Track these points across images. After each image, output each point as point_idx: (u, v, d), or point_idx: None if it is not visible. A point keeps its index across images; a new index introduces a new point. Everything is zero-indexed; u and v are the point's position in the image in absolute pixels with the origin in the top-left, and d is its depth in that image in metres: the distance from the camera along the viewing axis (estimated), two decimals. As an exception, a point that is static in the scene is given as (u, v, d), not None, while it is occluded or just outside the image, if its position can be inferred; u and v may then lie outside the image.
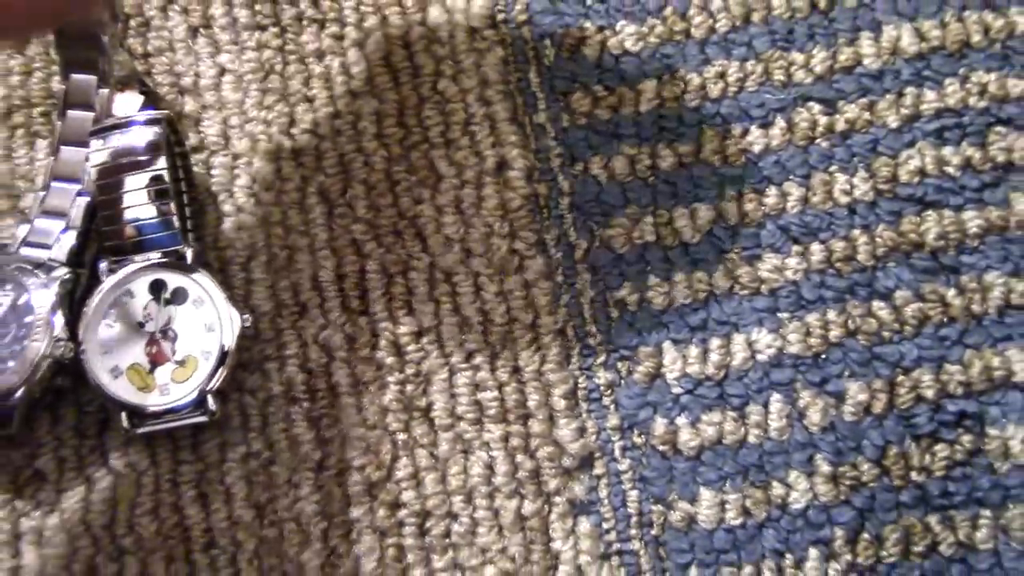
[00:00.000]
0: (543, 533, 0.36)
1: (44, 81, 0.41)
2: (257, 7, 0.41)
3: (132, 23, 0.41)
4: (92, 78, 0.39)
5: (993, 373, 0.36)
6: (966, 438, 0.36)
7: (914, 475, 0.36)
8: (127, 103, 0.39)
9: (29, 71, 0.41)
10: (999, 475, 0.36)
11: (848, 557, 0.35)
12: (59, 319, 0.36)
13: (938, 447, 0.36)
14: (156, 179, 0.36)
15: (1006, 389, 0.36)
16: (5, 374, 0.35)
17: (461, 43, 0.40)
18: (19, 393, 0.35)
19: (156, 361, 0.36)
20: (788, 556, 0.35)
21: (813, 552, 0.35)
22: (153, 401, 0.36)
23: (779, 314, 0.37)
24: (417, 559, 0.36)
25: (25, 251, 0.37)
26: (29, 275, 0.36)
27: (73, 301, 0.37)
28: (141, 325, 0.36)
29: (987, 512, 0.35)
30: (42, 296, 0.36)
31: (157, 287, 0.36)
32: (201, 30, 0.41)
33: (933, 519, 0.35)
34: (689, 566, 0.35)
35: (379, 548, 0.35)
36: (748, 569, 0.35)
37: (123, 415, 0.36)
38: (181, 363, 0.36)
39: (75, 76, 0.39)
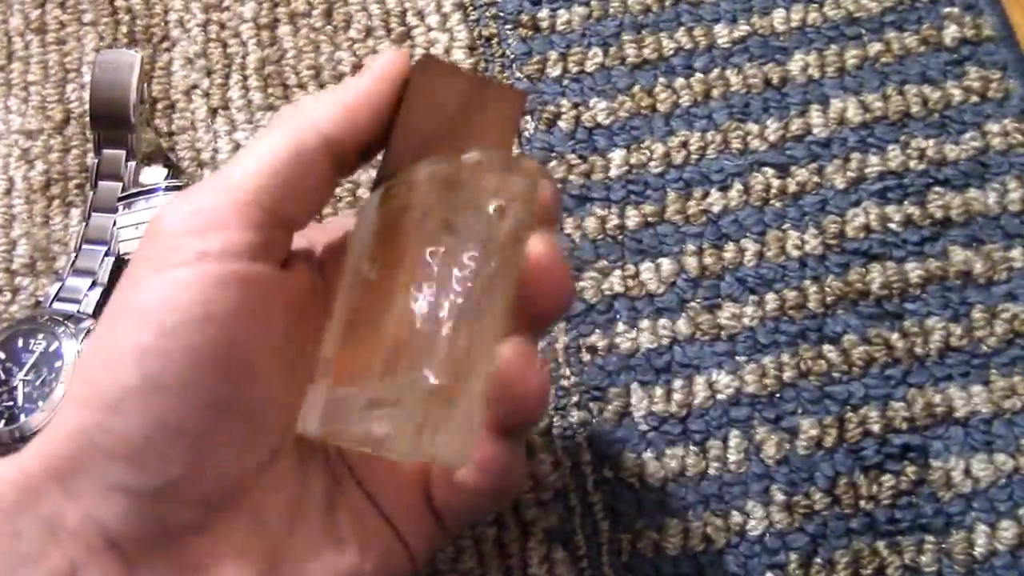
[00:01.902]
0: (521, 559, 0.39)
1: (79, 157, 0.46)
2: (270, 90, 0.46)
3: (159, 105, 0.46)
4: (121, 153, 0.43)
5: (935, 409, 0.39)
6: (911, 469, 0.39)
7: (863, 504, 0.38)
8: (153, 175, 0.44)
9: (67, 149, 0.46)
10: (942, 503, 0.38)
11: (802, 580, 0.38)
12: (85, 364, 0.40)
13: (885, 478, 0.38)
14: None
15: (947, 424, 0.39)
16: (35, 413, 0.39)
17: (450, 119, 0.45)
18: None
19: (170, 401, 0.40)
20: (747, 580, 0.38)
21: (770, 575, 0.38)
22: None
23: (737, 357, 0.40)
24: (404, 584, 0.38)
25: (57, 305, 0.42)
26: (59, 326, 0.40)
27: (98, 349, 0.41)
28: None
29: (931, 538, 0.38)
30: (70, 345, 0.40)
31: (173, 335, 0.40)
32: (220, 111, 0.46)
33: (881, 544, 0.38)
34: (655, 590, 0.38)
35: (369, 573, 0.38)
36: (710, 592, 0.38)
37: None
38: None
39: (106, 151, 0.44)
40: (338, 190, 0.44)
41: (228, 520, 0.29)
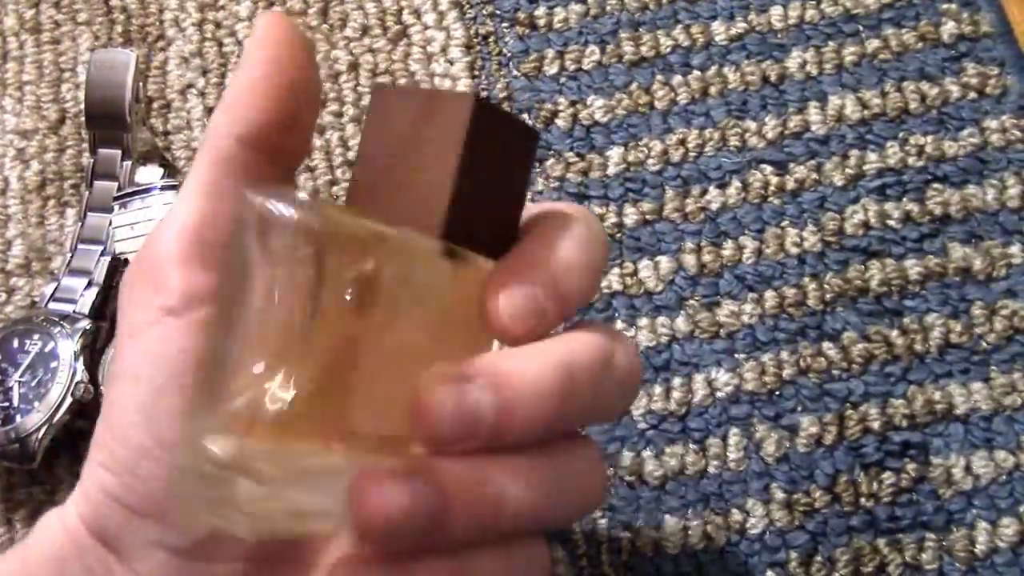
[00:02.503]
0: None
1: (75, 157, 0.45)
2: (265, 89, 0.46)
3: (154, 105, 0.46)
4: (117, 152, 0.43)
5: (935, 406, 0.39)
6: (911, 466, 0.38)
7: (863, 501, 0.38)
8: (149, 174, 0.43)
9: (63, 148, 0.46)
10: (943, 500, 0.38)
11: (803, 578, 0.37)
12: (80, 365, 0.40)
13: (885, 475, 0.38)
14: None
15: (948, 421, 0.39)
16: (31, 413, 0.39)
17: (447, 117, 0.45)
18: (42, 431, 0.39)
19: (167, 402, 0.40)
20: (747, 578, 0.38)
21: (770, 574, 0.38)
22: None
23: (736, 355, 0.40)
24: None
25: (53, 305, 0.41)
26: (55, 326, 0.40)
27: (95, 349, 0.41)
28: (154, 369, 0.40)
29: (932, 535, 0.38)
30: (66, 345, 0.40)
31: (169, 335, 0.40)
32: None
33: (881, 542, 0.38)
34: (655, 588, 0.38)
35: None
36: (710, 590, 0.38)
37: (136, 451, 0.39)
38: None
39: (102, 151, 0.43)
40: (335, 189, 0.44)
41: (273, 572, 0.29)
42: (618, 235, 0.42)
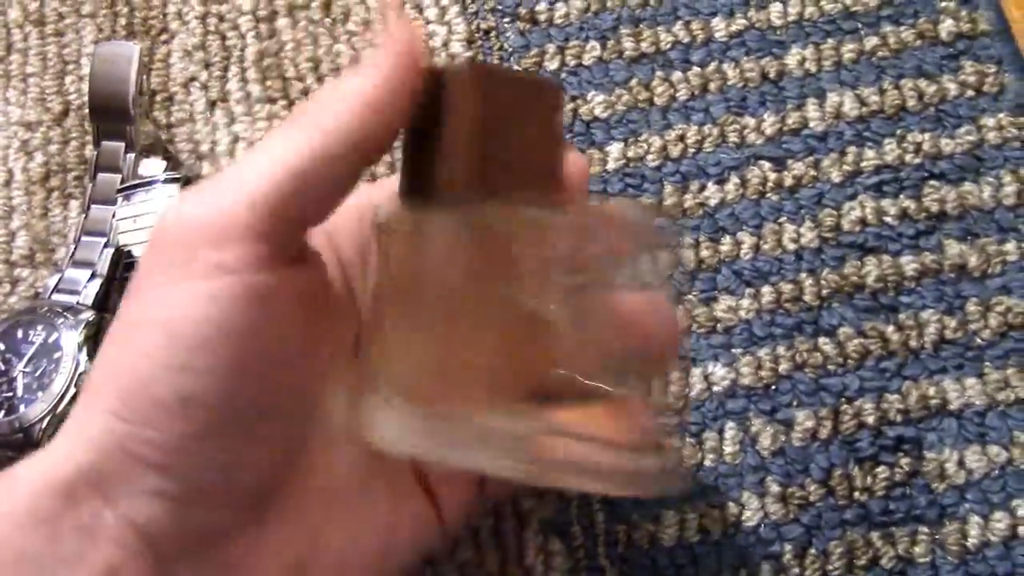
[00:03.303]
0: (517, 550, 0.39)
1: (78, 149, 0.46)
2: (268, 83, 0.46)
3: (158, 98, 0.46)
4: (120, 145, 0.44)
5: (929, 402, 0.40)
6: (905, 461, 0.39)
7: (857, 495, 0.39)
8: (152, 167, 0.44)
9: (66, 140, 0.46)
10: (936, 494, 0.38)
11: (796, 570, 0.38)
12: (83, 356, 0.40)
13: (879, 469, 0.39)
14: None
15: (942, 416, 0.39)
16: (34, 403, 0.39)
17: (448, 112, 0.45)
18: (46, 421, 0.39)
19: (169, 392, 0.40)
20: (742, 570, 0.38)
21: (765, 566, 0.38)
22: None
23: (733, 350, 0.41)
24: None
25: (56, 297, 0.42)
26: (59, 317, 0.41)
27: (98, 341, 0.41)
28: (157, 360, 0.40)
29: (925, 528, 0.38)
30: (69, 336, 0.40)
31: (172, 326, 0.41)
32: (219, 103, 0.46)
33: (875, 535, 0.38)
34: (651, 580, 0.38)
35: (367, 563, 0.39)
36: (705, 582, 0.38)
37: (138, 441, 0.39)
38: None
39: (105, 143, 0.44)
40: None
41: (264, 518, 0.30)
42: (617, 230, 0.43)
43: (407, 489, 0.32)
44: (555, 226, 0.28)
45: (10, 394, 0.40)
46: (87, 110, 0.44)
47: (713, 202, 0.43)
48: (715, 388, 0.40)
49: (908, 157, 0.43)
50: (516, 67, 0.46)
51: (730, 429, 0.40)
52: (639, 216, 0.28)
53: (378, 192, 0.33)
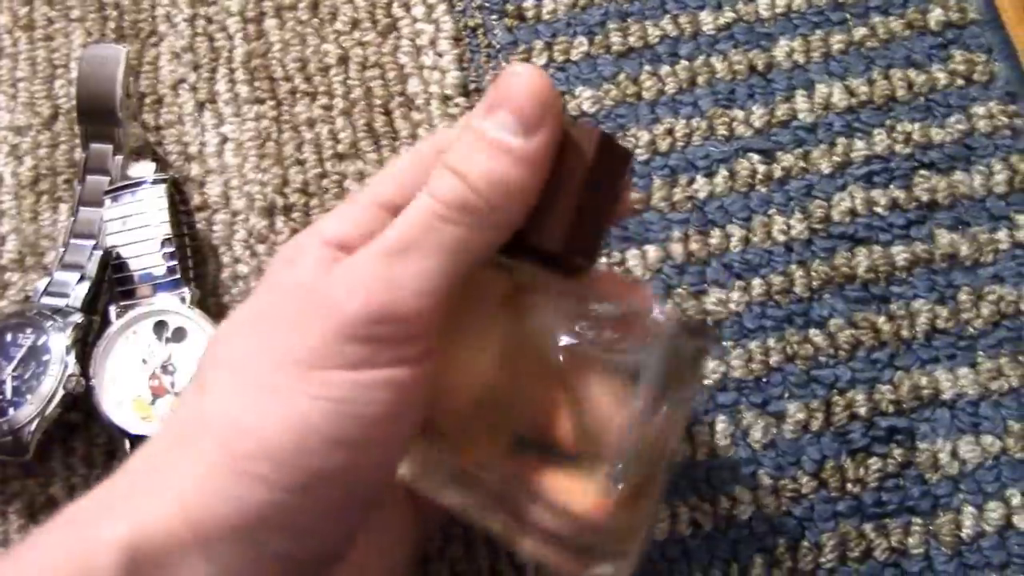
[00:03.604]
0: (507, 546, 0.39)
1: (68, 152, 0.46)
2: (256, 84, 0.46)
3: (147, 100, 0.46)
4: (108, 147, 0.44)
5: (922, 392, 0.39)
6: (897, 452, 0.39)
7: (850, 487, 0.38)
8: (141, 169, 0.44)
9: (56, 144, 0.46)
10: (929, 485, 0.38)
11: (789, 563, 0.38)
12: (71, 358, 0.40)
13: (871, 460, 0.38)
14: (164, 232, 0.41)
15: (934, 406, 0.39)
16: (23, 406, 0.39)
17: (436, 110, 0.45)
18: (35, 424, 0.39)
19: (157, 394, 0.40)
20: (734, 564, 0.38)
21: (758, 559, 0.38)
22: (154, 430, 0.39)
23: (724, 343, 0.40)
24: None
25: (46, 300, 0.42)
26: (48, 320, 0.41)
27: (87, 342, 0.41)
28: (145, 361, 0.40)
29: (918, 520, 0.38)
30: (58, 338, 0.40)
31: (160, 327, 0.41)
32: (207, 104, 0.46)
33: (868, 527, 0.38)
34: (644, 575, 0.38)
35: (357, 561, 0.39)
36: (697, 576, 0.38)
37: (127, 443, 0.39)
38: (179, 395, 0.40)
39: (94, 145, 0.44)
40: (325, 181, 0.44)
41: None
42: (606, 225, 0.42)
43: (402, 506, 0.32)
44: (568, 290, 0.29)
45: (0, 397, 0.39)
46: (75, 113, 0.44)
47: (702, 195, 0.43)
48: (706, 381, 0.40)
49: (898, 147, 0.43)
50: (504, 64, 0.46)
51: (721, 422, 0.39)
52: (664, 317, 0.28)
53: None
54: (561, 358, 0.28)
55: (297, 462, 0.25)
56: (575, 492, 0.27)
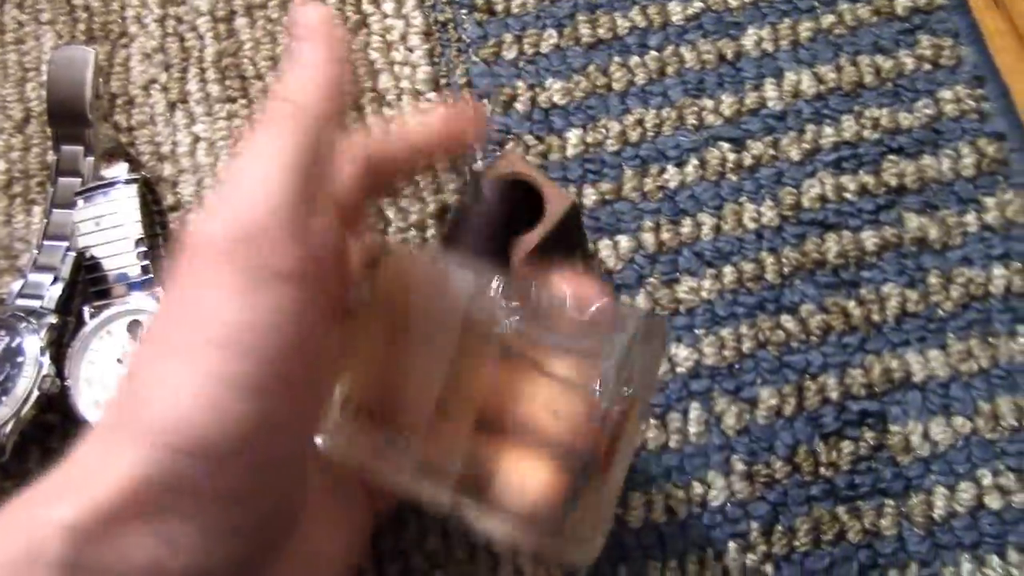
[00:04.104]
0: (470, 531, 0.39)
1: (40, 155, 0.46)
2: (227, 82, 0.46)
3: (118, 101, 0.46)
4: (79, 148, 0.44)
5: (893, 375, 0.39)
6: (869, 435, 0.39)
7: (823, 470, 0.38)
8: (114, 170, 0.44)
9: (28, 147, 0.46)
10: (901, 467, 0.38)
11: (764, 548, 0.38)
12: (46, 359, 0.40)
13: (844, 444, 0.39)
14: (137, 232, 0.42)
15: (905, 389, 0.39)
16: (-1, 408, 0.39)
17: (408, 105, 0.45)
18: (10, 425, 0.39)
19: (133, 392, 0.40)
20: (709, 549, 0.38)
21: (732, 545, 0.38)
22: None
23: (696, 330, 0.41)
24: (370, 566, 0.39)
25: (20, 302, 0.42)
26: (22, 321, 0.41)
27: (62, 343, 0.41)
28: (120, 361, 0.40)
29: (891, 501, 0.38)
30: (32, 340, 0.40)
31: (134, 327, 0.41)
32: (179, 104, 0.46)
33: (841, 510, 0.38)
34: (619, 563, 0.38)
35: (335, 556, 0.39)
36: (673, 563, 0.38)
37: (104, 442, 0.39)
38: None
39: (65, 147, 0.44)
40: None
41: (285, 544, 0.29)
42: (577, 216, 0.43)
43: (352, 491, 0.32)
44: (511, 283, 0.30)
45: (-25, 400, 0.39)
46: (46, 115, 0.44)
47: (673, 185, 0.43)
48: (679, 369, 0.40)
49: (866, 133, 0.43)
50: (474, 57, 0.46)
51: (695, 409, 0.40)
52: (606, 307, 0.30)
53: None
54: (514, 344, 0.29)
55: (211, 426, 0.25)
56: (535, 472, 0.28)
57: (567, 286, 0.31)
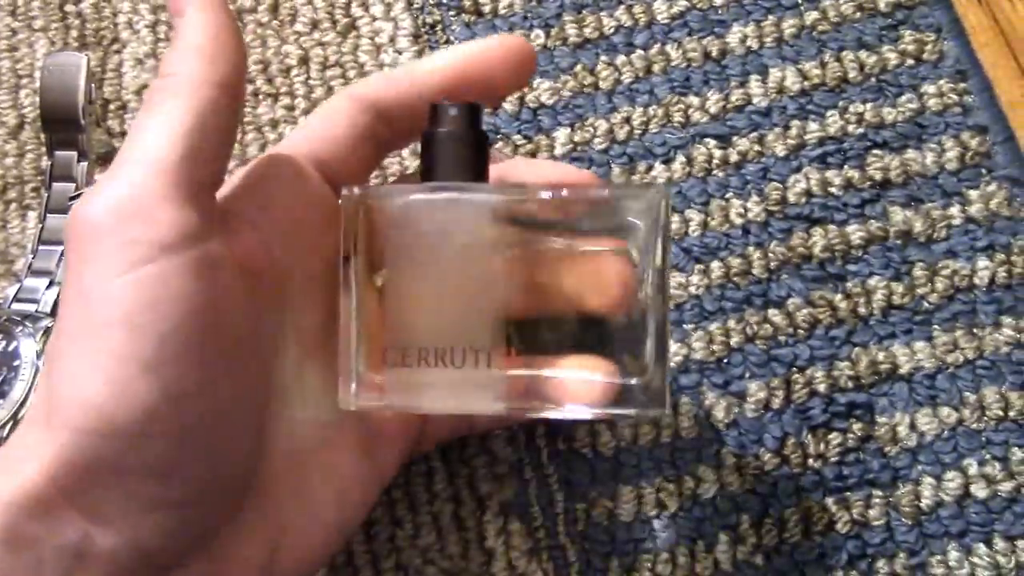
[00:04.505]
0: (478, 533, 0.39)
1: (35, 161, 0.46)
2: (219, 87, 0.47)
3: (111, 106, 0.47)
4: (73, 154, 0.44)
5: (879, 367, 0.40)
6: (857, 426, 0.39)
7: (811, 462, 0.39)
8: (107, 176, 0.44)
9: (22, 153, 0.47)
10: (888, 458, 0.39)
11: (754, 539, 0.38)
12: (42, 363, 0.40)
13: (832, 436, 0.39)
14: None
15: (892, 381, 0.40)
16: (-5, 412, 0.40)
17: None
18: (7, 429, 0.39)
19: (128, 394, 0.40)
20: (700, 542, 0.38)
21: (722, 537, 0.38)
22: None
23: (684, 325, 0.41)
24: (364, 562, 0.39)
25: (16, 306, 0.42)
26: (18, 325, 0.41)
27: (57, 347, 0.42)
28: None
29: (879, 492, 0.38)
30: (28, 344, 0.41)
31: (129, 329, 0.41)
32: (171, 109, 0.47)
33: (830, 501, 0.38)
34: (610, 556, 0.39)
35: (330, 553, 0.39)
36: (664, 555, 0.38)
37: (99, 444, 0.40)
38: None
39: (58, 153, 0.44)
40: (289, 181, 0.45)
41: (241, 508, 0.30)
42: (566, 214, 0.43)
43: (352, 457, 0.33)
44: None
45: (-28, 403, 0.40)
46: (40, 121, 0.45)
47: (660, 181, 0.43)
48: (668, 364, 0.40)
49: (851, 128, 0.43)
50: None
51: (684, 404, 0.40)
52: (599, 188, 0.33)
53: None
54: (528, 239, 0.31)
55: (116, 406, 0.26)
56: (582, 362, 0.31)
57: (553, 175, 0.33)
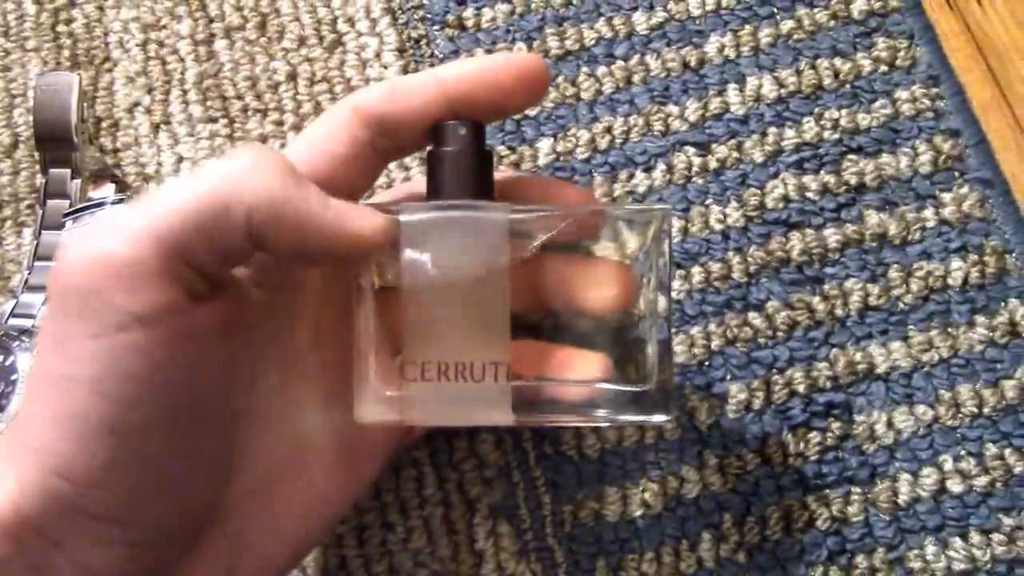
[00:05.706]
0: (468, 536, 0.40)
1: (29, 179, 0.47)
2: (208, 103, 0.48)
3: (103, 123, 0.48)
4: (67, 171, 0.45)
5: (857, 367, 0.41)
6: (836, 425, 0.40)
7: (791, 461, 0.40)
8: (102, 191, 0.45)
9: (17, 171, 0.48)
10: (867, 455, 0.40)
11: (736, 537, 0.39)
12: (40, 376, 0.41)
13: (811, 435, 0.40)
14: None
15: (869, 380, 0.41)
16: (-7, 426, 0.41)
17: (383, 120, 0.47)
18: (6, 442, 0.40)
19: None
20: (684, 541, 0.39)
21: (706, 535, 0.39)
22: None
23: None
24: (357, 567, 0.40)
25: (12, 322, 0.43)
26: (15, 340, 0.42)
27: (53, 361, 0.42)
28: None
29: (857, 489, 0.39)
30: (25, 358, 0.42)
31: (123, 342, 0.42)
32: (162, 126, 0.48)
33: (810, 498, 0.39)
34: (597, 556, 0.39)
35: (323, 558, 0.40)
36: (649, 555, 0.39)
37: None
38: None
39: (52, 170, 0.45)
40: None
41: (203, 539, 0.31)
42: (550, 222, 0.44)
43: (326, 472, 0.33)
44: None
45: (-30, 418, 0.41)
46: (33, 140, 0.46)
47: (641, 189, 0.44)
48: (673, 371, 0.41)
49: (827, 134, 0.44)
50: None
51: (667, 406, 0.41)
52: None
53: None
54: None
55: (75, 456, 0.26)
56: (587, 363, 0.32)
57: (553, 193, 0.35)
